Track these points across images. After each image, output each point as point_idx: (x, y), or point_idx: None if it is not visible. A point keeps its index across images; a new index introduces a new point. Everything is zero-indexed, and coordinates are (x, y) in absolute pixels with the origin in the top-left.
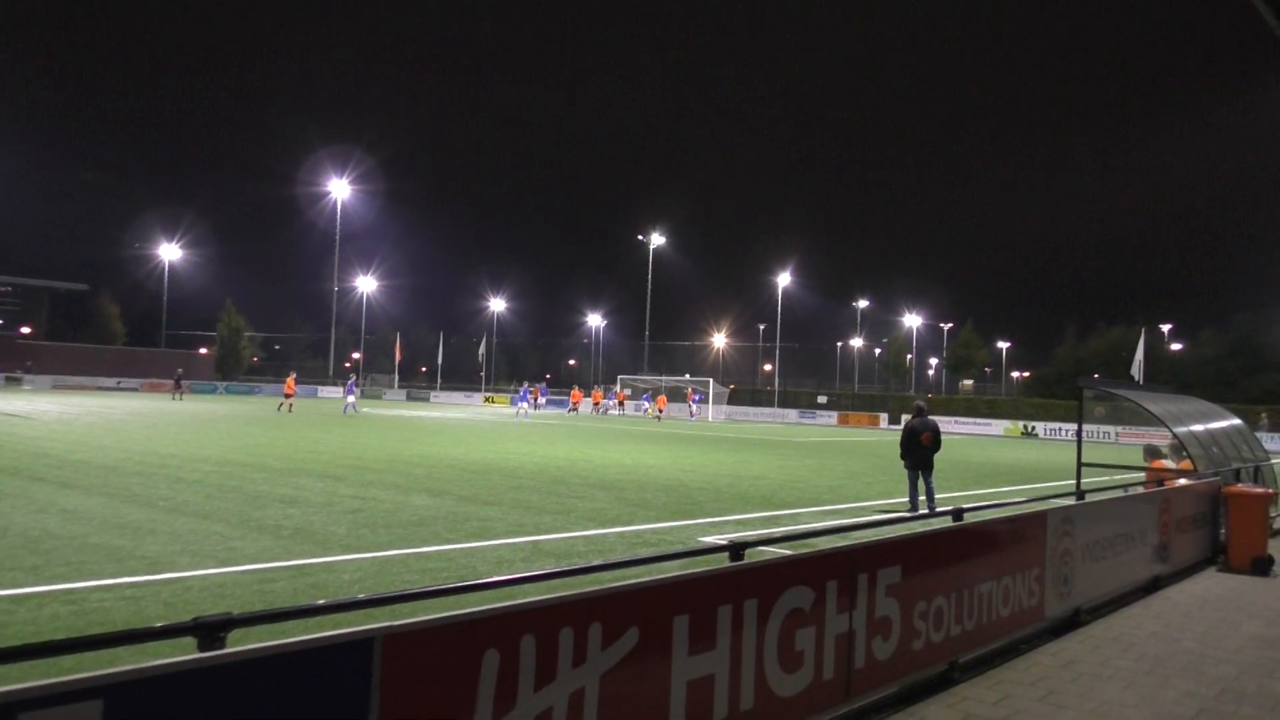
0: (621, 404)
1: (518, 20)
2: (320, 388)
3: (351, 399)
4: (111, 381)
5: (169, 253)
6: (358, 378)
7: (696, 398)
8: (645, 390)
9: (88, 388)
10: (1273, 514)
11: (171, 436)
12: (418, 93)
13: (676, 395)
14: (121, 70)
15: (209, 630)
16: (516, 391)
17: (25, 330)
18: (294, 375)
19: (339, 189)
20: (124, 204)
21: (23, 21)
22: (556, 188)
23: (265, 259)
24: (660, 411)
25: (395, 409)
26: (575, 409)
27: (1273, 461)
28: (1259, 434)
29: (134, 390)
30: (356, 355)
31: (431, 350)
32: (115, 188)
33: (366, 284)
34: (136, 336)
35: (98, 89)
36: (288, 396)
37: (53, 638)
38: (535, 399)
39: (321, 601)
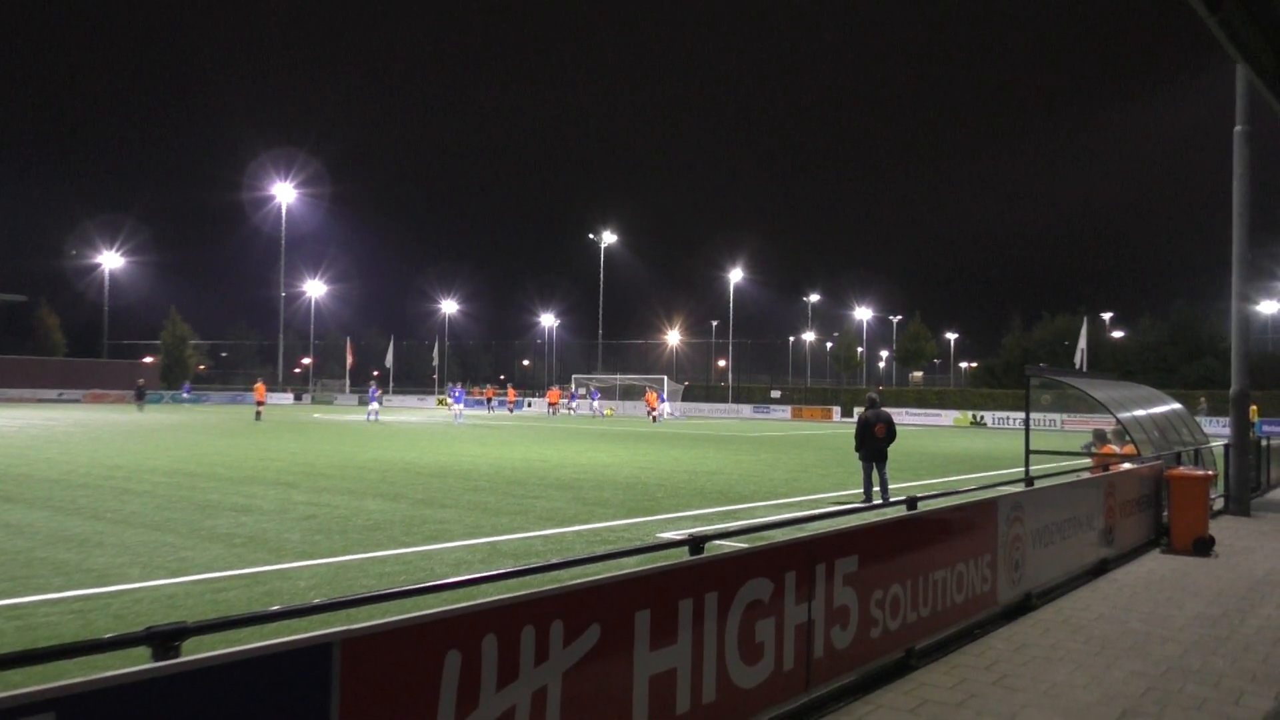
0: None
1: (465, 21)
2: (269, 394)
3: (375, 405)
4: (53, 393)
5: (110, 261)
6: (376, 384)
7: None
8: (596, 389)
9: (28, 400)
10: (1213, 496)
11: (117, 447)
12: (362, 94)
13: (631, 394)
14: (56, 75)
15: (163, 639)
16: (474, 394)
17: None
18: (262, 381)
19: (284, 193)
20: (62, 213)
21: None
22: (506, 188)
23: (210, 266)
24: (653, 410)
25: (348, 414)
26: (554, 409)
27: (1212, 444)
28: (1198, 418)
29: (76, 401)
30: (306, 361)
31: (383, 354)
32: (53, 196)
33: (315, 288)
34: (78, 347)
35: (32, 95)
36: (260, 403)
37: None
38: (496, 399)
39: (277, 607)
